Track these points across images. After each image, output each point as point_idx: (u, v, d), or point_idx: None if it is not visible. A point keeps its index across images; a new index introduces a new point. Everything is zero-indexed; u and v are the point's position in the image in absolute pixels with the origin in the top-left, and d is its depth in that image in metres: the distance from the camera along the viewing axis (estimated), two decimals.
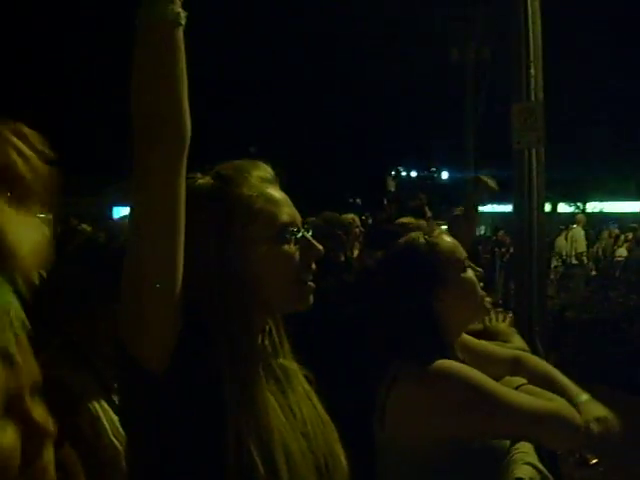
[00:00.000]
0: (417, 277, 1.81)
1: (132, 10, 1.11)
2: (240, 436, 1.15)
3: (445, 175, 29.46)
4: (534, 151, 6.43)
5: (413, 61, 21.49)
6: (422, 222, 2.02)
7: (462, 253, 1.90)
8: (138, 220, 1.15)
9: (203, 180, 1.30)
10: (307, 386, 1.37)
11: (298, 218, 1.33)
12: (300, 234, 1.31)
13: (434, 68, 21.13)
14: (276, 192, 1.33)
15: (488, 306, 1.99)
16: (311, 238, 1.32)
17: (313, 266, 1.32)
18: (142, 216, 1.14)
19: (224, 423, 1.15)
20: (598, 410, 1.77)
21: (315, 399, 1.36)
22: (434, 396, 1.66)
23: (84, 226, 4.81)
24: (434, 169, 30.30)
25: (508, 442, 1.77)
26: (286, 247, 1.28)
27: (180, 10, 1.11)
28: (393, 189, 16.06)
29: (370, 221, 7.78)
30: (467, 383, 1.65)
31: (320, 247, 1.32)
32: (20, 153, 0.83)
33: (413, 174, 30.30)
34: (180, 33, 1.12)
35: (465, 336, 2.03)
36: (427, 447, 1.66)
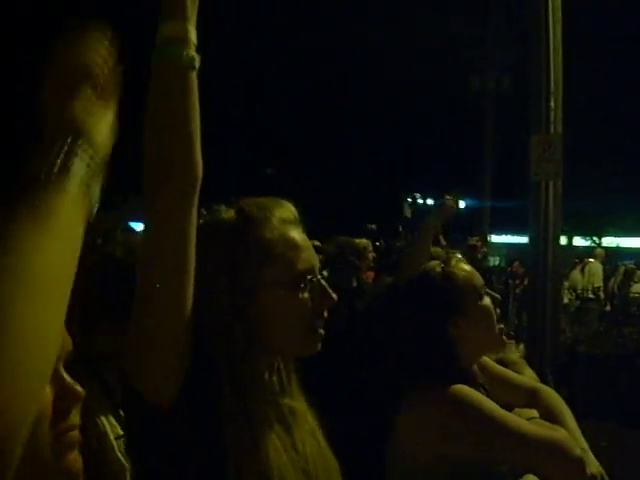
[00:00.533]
0: (433, 306, 1.84)
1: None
2: (240, 474, 1.14)
3: (462, 204, 29.39)
4: (551, 183, 6.42)
5: (432, 89, 21.59)
6: (438, 249, 2.05)
7: (479, 281, 1.92)
8: (147, 257, 1.16)
9: (226, 215, 1.29)
10: (313, 423, 1.36)
11: (315, 263, 1.31)
12: (315, 281, 1.29)
13: (453, 97, 21.21)
14: (297, 235, 1.30)
15: (504, 337, 2.00)
16: (326, 286, 1.30)
17: (325, 314, 1.30)
18: (150, 254, 1.15)
19: (225, 460, 1.15)
20: (591, 466, 1.81)
21: (320, 436, 1.35)
22: (444, 417, 1.69)
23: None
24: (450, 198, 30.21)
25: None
26: (300, 295, 1.26)
27: (194, 54, 1.12)
28: (409, 216, 16.03)
29: (384, 247, 7.77)
30: (476, 407, 1.69)
31: (334, 296, 1.29)
32: (99, 53, 0.86)
33: (430, 202, 30.27)
34: (194, 76, 1.12)
35: (486, 359, 2.05)
36: (430, 465, 1.69)
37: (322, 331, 1.29)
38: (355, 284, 4.30)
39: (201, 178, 1.15)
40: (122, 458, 1.60)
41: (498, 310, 1.94)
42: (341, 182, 26.14)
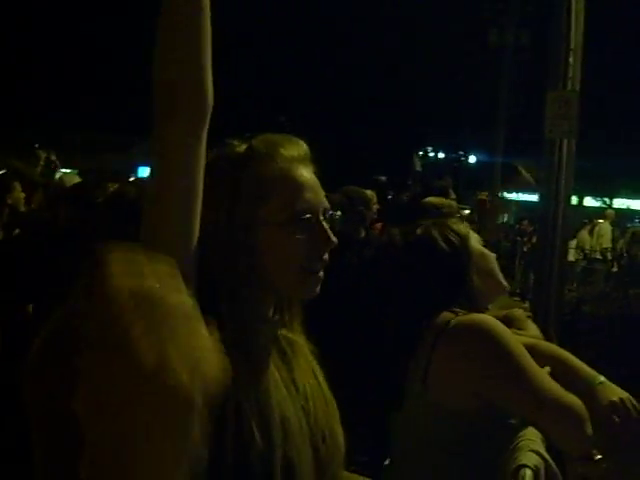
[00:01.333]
0: (437, 274, 1.87)
1: None
2: (240, 407, 1.15)
3: (473, 159, 29.22)
4: (565, 141, 6.35)
5: (448, 40, 21.23)
6: (446, 203, 2.06)
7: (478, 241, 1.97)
8: (154, 189, 1.15)
9: (235, 149, 1.27)
10: (313, 362, 1.35)
11: (319, 204, 1.26)
12: (315, 222, 1.25)
13: (470, 50, 20.86)
14: (302, 173, 1.27)
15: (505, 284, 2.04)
16: (327, 228, 1.26)
17: (325, 257, 1.26)
18: (161, 181, 1.13)
19: (225, 393, 1.16)
20: (617, 391, 1.83)
21: (320, 376, 1.35)
22: (469, 345, 1.72)
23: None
24: (462, 152, 30.05)
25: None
26: (297, 235, 1.22)
27: None
28: (419, 169, 15.93)
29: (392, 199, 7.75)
30: (501, 339, 1.70)
31: (334, 239, 1.25)
32: None
33: (441, 155, 30.10)
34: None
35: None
36: (456, 408, 1.71)
37: (321, 274, 1.26)
38: (363, 234, 4.31)
39: (211, 106, 1.14)
40: None
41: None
42: (352, 132, 25.97)
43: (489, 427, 1.73)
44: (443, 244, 1.89)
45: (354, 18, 22.58)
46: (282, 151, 1.26)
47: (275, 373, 1.25)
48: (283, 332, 1.33)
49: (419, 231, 1.93)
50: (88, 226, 1.52)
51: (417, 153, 19.57)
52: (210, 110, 1.14)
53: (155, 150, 1.13)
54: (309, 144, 1.33)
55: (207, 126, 1.14)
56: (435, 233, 1.91)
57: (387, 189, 7.28)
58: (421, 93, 26.57)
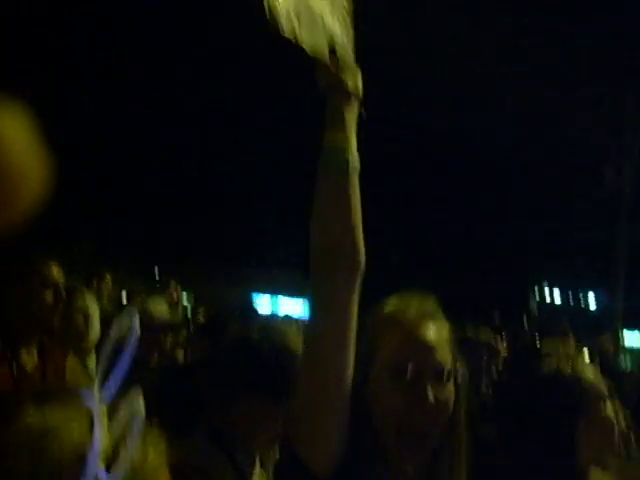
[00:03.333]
0: (562, 407, 1.83)
1: None
2: None
3: (591, 298, 28.17)
4: None
5: (565, 176, 21.12)
6: (568, 347, 2.05)
7: (605, 387, 1.89)
8: (312, 335, 1.26)
9: (380, 308, 1.38)
10: None
11: (428, 365, 1.29)
12: (417, 382, 1.28)
13: (584, 187, 20.61)
14: (423, 331, 1.32)
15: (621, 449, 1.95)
16: (427, 391, 1.27)
17: (421, 418, 1.27)
18: (315, 332, 1.25)
19: None
20: None
21: None
22: None
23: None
24: (579, 291, 29.08)
25: None
26: (395, 390, 1.27)
27: (355, 158, 1.27)
28: (534, 309, 15.52)
29: (507, 339, 7.54)
30: None
31: (431, 402, 1.27)
32: None
33: (556, 293, 29.21)
34: (355, 176, 1.26)
35: None
36: None
37: (414, 431, 1.27)
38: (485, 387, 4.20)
39: (364, 264, 1.26)
40: None
41: (624, 424, 1.89)
42: (465, 270, 25.80)
43: None
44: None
45: (469, 154, 23.05)
46: (412, 308, 1.36)
47: None
48: None
49: (545, 369, 1.92)
50: (215, 365, 1.62)
51: (532, 290, 19.08)
52: (363, 267, 1.26)
53: (312, 301, 1.25)
54: (416, 282, 1.43)
55: (361, 280, 1.25)
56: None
57: (501, 328, 7.11)
58: (534, 233, 26.27)
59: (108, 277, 4.84)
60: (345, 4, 1.44)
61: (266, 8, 1.10)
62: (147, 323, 3.71)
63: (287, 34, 1.15)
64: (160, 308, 3.94)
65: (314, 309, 1.25)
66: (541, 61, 15.74)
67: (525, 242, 27.04)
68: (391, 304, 1.37)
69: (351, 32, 1.45)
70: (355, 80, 1.32)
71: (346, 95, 1.30)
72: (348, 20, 1.42)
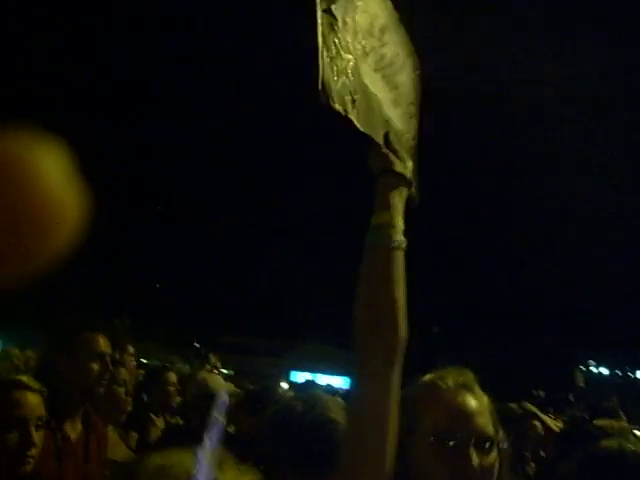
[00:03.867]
0: None
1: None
2: None
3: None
4: None
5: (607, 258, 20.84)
6: (616, 426, 2.00)
7: None
8: (354, 412, 1.26)
9: (419, 380, 1.42)
10: None
11: (471, 432, 1.31)
12: (461, 449, 1.29)
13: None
14: (463, 400, 1.35)
15: None
16: (472, 458, 1.28)
17: None
18: (357, 408, 1.24)
19: None
20: None
21: None
22: None
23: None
24: (628, 367, 28.14)
25: None
26: (439, 459, 1.28)
27: (402, 238, 1.30)
28: (582, 384, 15.04)
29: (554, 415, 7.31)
30: None
31: (476, 469, 1.28)
32: None
33: (604, 370, 28.32)
34: (400, 255, 1.29)
35: None
36: None
37: None
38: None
39: (405, 341, 1.27)
40: None
41: None
42: (510, 342, 25.30)
43: None
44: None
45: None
46: (451, 380, 1.38)
47: None
48: None
49: (607, 447, 1.87)
50: (253, 436, 1.61)
51: (579, 367, 18.57)
52: (404, 344, 1.27)
53: (356, 378, 1.26)
54: (457, 354, 1.45)
55: (402, 356, 1.26)
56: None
57: (547, 405, 6.91)
58: (579, 305, 25.76)
59: (131, 349, 4.92)
60: (413, 101, 1.54)
61: (319, 82, 1.12)
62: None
63: (338, 109, 1.18)
64: (219, 382, 3.99)
65: (357, 385, 1.26)
66: None
67: (572, 321, 26.54)
68: (430, 376, 1.40)
69: (413, 125, 1.55)
70: (405, 165, 1.38)
71: (395, 178, 1.34)
72: (413, 114, 1.52)
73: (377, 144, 1.35)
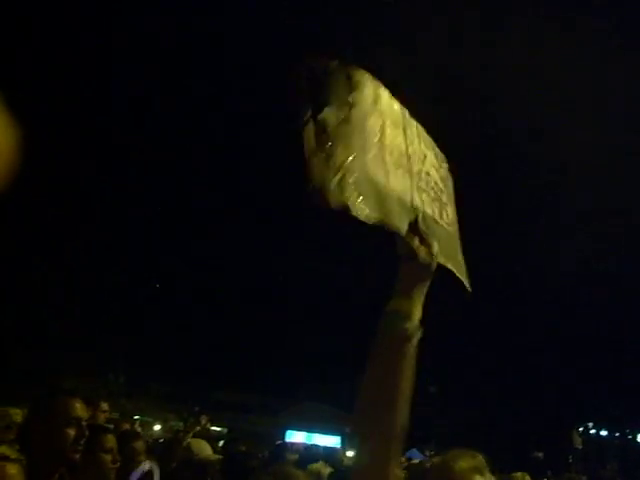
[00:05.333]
0: None
1: None
2: None
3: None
4: None
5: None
6: None
7: None
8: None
9: (433, 461, 1.45)
10: None
11: None
12: None
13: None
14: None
15: None
16: None
17: None
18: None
19: None
20: None
21: None
22: None
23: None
24: (628, 430, 27.71)
25: None
26: None
27: (417, 330, 1.26)
28: (579, 446, 14.78)
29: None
30: None
31: None
32: None
33: (603, 432, 27.86)
34: (411, 347, 1.26)
35: None
36: None
37: None
38: None
39: (405, 432, 1.25)
40: None
41: None
42: (507, 405, 24.97)
43: None
44: None
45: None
46: (462, 462, 1.44)
47: None
48: None
49: None
50: None
51: (577, 429, 18.31)
52: (402, 434, 1.25)
53: (357, 459, 1.27)
54: (455, 414, 1.47)
55: (401, 446, 1.25)
56: None
57: (545, 467, 6.81)
58: (577, 366, 25.53)
59: (105, 406, 4.87)
60: (442, 189, 1.52)
61: (314, 179, 1.07)
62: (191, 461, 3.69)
63: (338, 205, 1.11)
64: (204, 447, 3.94)
65: (356, 463, 1.27)
66: None
67: (570, 385, 26.33)
68: (442, 457, 1.46)
69: (448, 213, 1.52)
70: (430, 253, 1.32)
71: (418, 266, 1.30)
72: (446, 202, 1.49)
73: (398, 231, 1.29)
